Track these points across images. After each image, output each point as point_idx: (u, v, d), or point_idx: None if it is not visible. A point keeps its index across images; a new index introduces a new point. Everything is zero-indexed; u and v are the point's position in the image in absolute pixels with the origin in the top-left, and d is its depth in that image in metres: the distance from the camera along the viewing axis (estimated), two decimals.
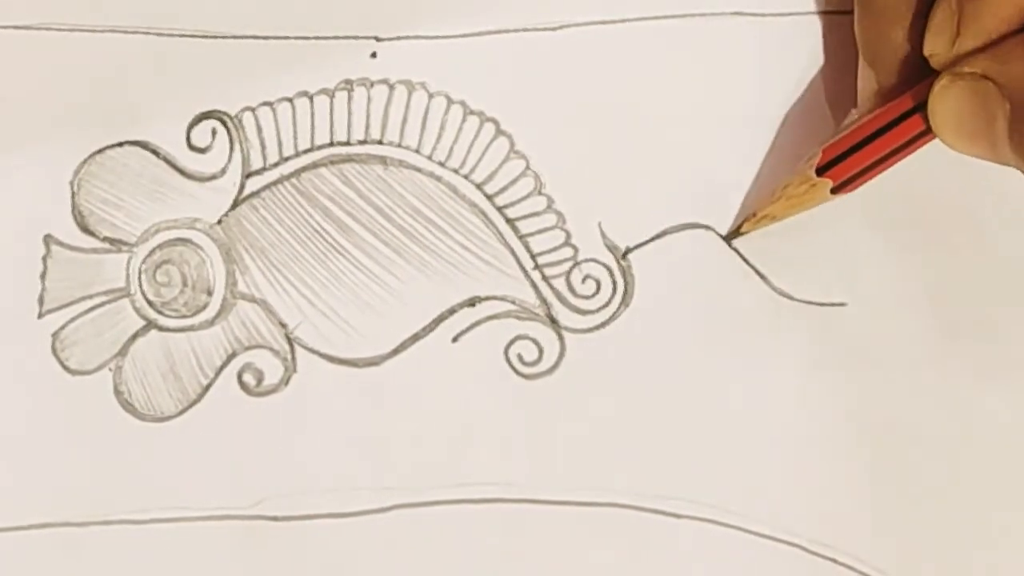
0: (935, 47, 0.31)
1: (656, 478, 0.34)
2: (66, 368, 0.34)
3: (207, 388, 0.34)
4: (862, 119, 0.32)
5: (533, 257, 0.34)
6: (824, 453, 0.34)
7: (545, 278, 0.34)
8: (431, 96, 0.35)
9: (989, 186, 0.35)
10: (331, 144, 0.35)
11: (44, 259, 0.34)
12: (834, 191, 0.33)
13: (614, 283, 0.34)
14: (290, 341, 0.34)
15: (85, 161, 0.35)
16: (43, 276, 0.34)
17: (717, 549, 0.34)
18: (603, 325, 0.34)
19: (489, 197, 0.35)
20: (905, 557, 0.34)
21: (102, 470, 0.34)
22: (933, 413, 0.34)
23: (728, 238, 0.34)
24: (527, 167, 0.35)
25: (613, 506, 0.34)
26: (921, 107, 0.31)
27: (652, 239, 0.35)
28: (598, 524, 0.34)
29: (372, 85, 0.35)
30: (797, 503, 0.34)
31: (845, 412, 0.34)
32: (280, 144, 0.35)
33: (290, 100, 0.35)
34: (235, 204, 0.34)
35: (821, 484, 0.34)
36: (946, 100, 0.30)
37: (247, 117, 0.35)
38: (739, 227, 0.34)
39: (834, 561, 0.34)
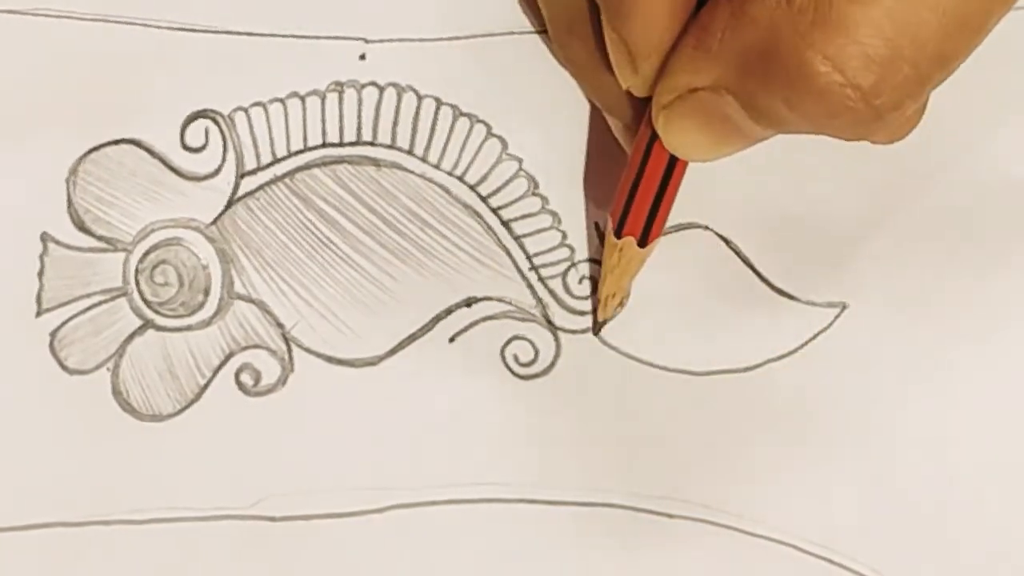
0: (625, 80, 0.30)
1: (651, 478, 0.34)
2: (64, 367, 0.34)
3: (205, 388, 0.34)
4: (628, 167, 0.32)
5: (529, 258, 0.34)
6: (820, 453, 0.34)
7: (541, 279, 0.34)
8: (421, 98, 0.34)
9: (990, 187, 0.34)
10: (323, 145, 0.34)
11: (41, 257, 0.34)
12: (643, 245, 0.32)
13: None
14: (287, 341, 0.34)
15: (81, 159, 0.34)
16: (40, 274, 0.34)
17: (712, 549, 0.34)
18: (599, 326, 0.34)
19: (483, 198, 0.34)
20: (900, 557, 0.34)
21: (100, 470, 0.34)
22: (930, 413, 0.34)
23: (596, 333, 0.34)
24: (520, 168, 0.34)
25: (608, 506, 0.34)
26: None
27: None
28: (593, 524, 0.34)
29: (362, 87, 0.34)
30: (792, 503, 0.34)
31: (842, 412, 0.34)
32: (273, 144, 0.34)
33: (282, 101, 0.34)
34: (230, 204, 0.34)
35: (817, 484, 0.34)
36: (677, 133, 0.29)
37: (239, 117, 0.34)
38: (600, 323, 0.34)
39: (829, 561, 0.34)
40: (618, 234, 0.32)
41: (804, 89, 0.26)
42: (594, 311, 0.34)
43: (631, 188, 0.31)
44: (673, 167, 0.31)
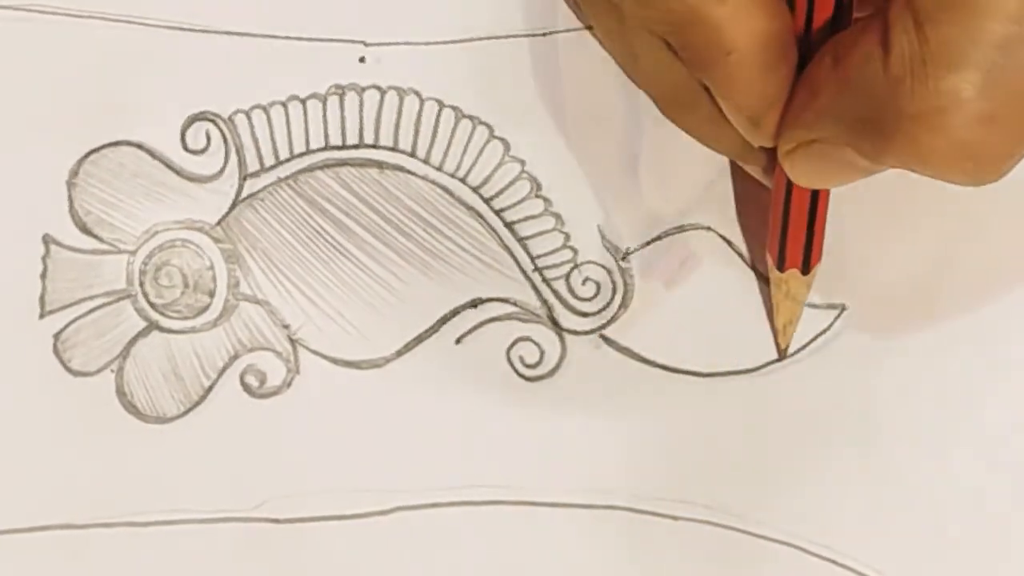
0: (753, 140, 0.31)
1: (655, 480, 0.34)
2: (68, 369, 0.34)
3: (209, 390, 0.34)
4: (773, 205, 0.32)
5: (533, 259, 0.34)
6: (823, 453, 0.34)
7: (545, 280, 0.34)
8: (423, 101, 0.34)
9: (991, 186, 0.34)
10: (326, 148, 0.34)
11: (44, 259, 0.34)
12: (805, 272, 0.33)
13: (614, 285, 0.34)
14: (293, 343, 0.34)
15: (81, 161, 0.34)
16: (43, 276, 0.34)
17: (715, 551, 0.34)
18: (603, 327, 0.34)
19: (486, 200, 0.34)
20: (904, 558, 0.34)
21: (104, 472, 0.34)
22: (932, 413, 0.34)
23: (781, 358, 0.35)
24: (522, 170, 0.34)
25: (612, 508, 0.34)
26: None
27: (652, 241, 0.34)
28: (598, 526, 0.34)
29: (363, 90, 0.34)
30: (796, 504, 0.34)
31: (844, 412, 0.34)
32: (275, 147, 0.34)
33: (282, 104, 0.34)
34: (234, 205, 0.34)
35: (820, 484, 0.34)
36: (800, 173, 0.30)
37: (240, 119, 0.34)
38: (783, 349, 0.34)
39: (832, 562, 0.34)
40: (780, 268, 0.33)
41: (910, 154, 0.26)
42: (776, 344, 0.34)
43: (782, 224, 0.32)
44: (817, 195, 0.31)
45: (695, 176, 0.34)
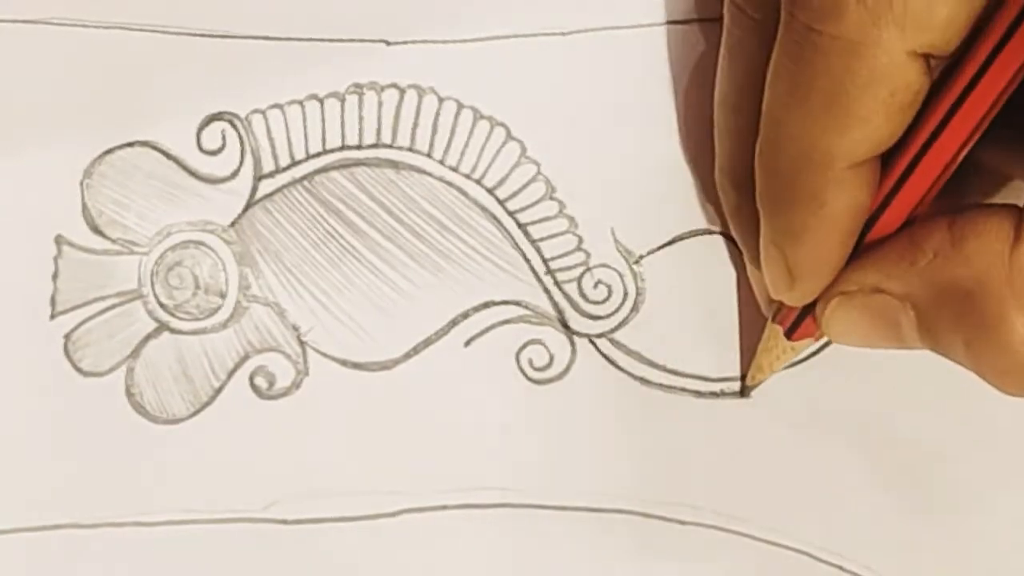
0: (776, 293, 0.31)
1: (663, 484, 0.34)
2: (78, 370, 0.34)
3: (219, 391, 0.34)
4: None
5: (545, 262, 0.34)
6: (832, 459, 0.34)
7: (557, 283, 0.34)
8: (441, 101, 0.35)
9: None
10: (342, 148, 0.35)
11: (55, 260, 0.34)
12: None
13: (625, 289, 0.35)
14: (302, 344, 0.34)
15: (95, 161, 0.34)
16: (55, 277, 0.34)
17: (724, 556, 0.34)
18: (614, 330, 0.34)
19: (501, 202, 0.35)
20: (913, 565, 0.34)
21: (113, 472, 0.34)
22: (936, 416, 0.34)
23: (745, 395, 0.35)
24: (538, 172, 0.35)
25: (620, 512, 0.34)
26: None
27: (664, 245, 0.35)
28: (605, 530, 0.34)
29: (382, 89, 0.34)
30: (804, 509, 0.34)
31: (851, 417, 0.34)
32: (291, 147, 0.35)
33: (300, 103, 0.34)
34: (248, 206, 0.35)
35: (828, 490, 0.34)
36: (841, 321, 0.30)
37: (257, 119, 0.34)
38: (748, 386, 0.34)
39: (841, 568, 0.34)
40: (788, 337, 0.32)
41: (994, 342, 0.26)
42: (743, 376, 0.34)
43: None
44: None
45: (709, 181, 0.34)
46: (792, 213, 0.29)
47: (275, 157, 0.35)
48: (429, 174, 0.35)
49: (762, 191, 0.29)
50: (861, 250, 0.29)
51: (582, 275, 0.35)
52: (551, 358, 0.34)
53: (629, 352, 0.34)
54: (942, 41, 0.26)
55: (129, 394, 0.34)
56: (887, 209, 0.29)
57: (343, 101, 0.35)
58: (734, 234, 0.33)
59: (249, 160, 0.34)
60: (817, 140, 0.27)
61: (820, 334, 0.31)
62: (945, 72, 0.27)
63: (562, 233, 0.35)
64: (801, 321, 0.32)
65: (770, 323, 0.33)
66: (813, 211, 0.28)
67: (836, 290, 0.30)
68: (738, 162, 0.31)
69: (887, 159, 0.28)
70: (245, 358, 0.34)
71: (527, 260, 0.34)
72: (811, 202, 0.28)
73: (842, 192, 0.28)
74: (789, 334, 0.32)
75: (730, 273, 0.35)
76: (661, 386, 0.34)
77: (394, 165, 0.35)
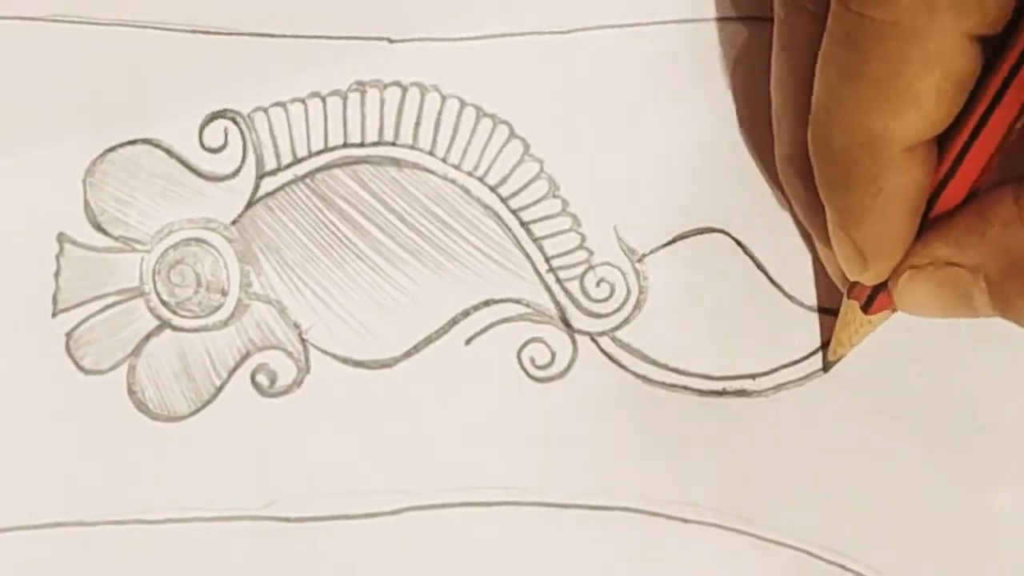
0: (852, 275, 0.31)
1: (665, 482, 0.34)
2: (80, 367, 0.34)
3: (220, 388, 0.34)
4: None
5: (547, 260, 0.34)
6: (833, 458, 0.34)
7: (559, 281, 0.34)
8: (444, 98, 0.35)
9: None
10: (344, 145, 0.35)
11: (57, 257, 0.34)
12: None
13: (628, 287, 0.35)
14: (304, 342, 0.34)
15: (97, 159, 0.34)
16: (57, 275, 0.34)
17: (725, 554, 0.34)
18: (616, 329, 0.34)
19: (503, 200, 0.35)
20: (915, 564, 0.34)
21: (115, 470, 0.34)
22: (937, 416, 0.34)
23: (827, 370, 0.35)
24: (541, 170, 0.35)
25: (622, 510, 0.34)
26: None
27: (667, 243, 0.35)
28: (607, 528, 0.34)
29: (385, 87, 0.35)
30: (806, 508, 0.34)
31: (854, 416, 0.34)
32: (293, 145, 0.35)
33: (302, 101, 0.35)
34: (249, 204, 0.35)
35: (830, 489, 0.34)
36: (913, 294, 0.30)
37: (259, 117, 0.35)
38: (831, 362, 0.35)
39: (843, 567, 0.34)
40: (865, 310, 0.33)
41: None
42: (824, 347, 0.34)
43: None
44: None
45: (714, 180, 0.34)
46: (852, 198, 0.29)
47: (277, 155, 0.35)
48: (431, 172, 0.35)
49: (821, 178, 0.30)
50: (928, 224, 0.30)
51: (584, 273, 0.35)
52: (552, 356, 0.34)
53: (631, 350, 0.34)
54: (995, 21, 0.26)
55: (131, 392, 0.34)
56: (948, 185, 0.29)
57: (346, 99, 0.35)
58: (801, 218, 0.33)
59: (251, 158, 0.35)
60: (872, 125, 0.27)
61: (896, 306, 0.32)
62: (994, 47, 0.27)
63: (564, 231, 0.35)
64: (876, 295, 0.32)
65: (846, 299, 0.33)
66: (872, 195, 0.28)
67: (907, 264, 0.30)
68: (800, 149, 0.31)
69: (944, 136, 0.29)
70: (246, 356, 0.34)
71: (529, 258, 0.34)
72: (870, 186, 0.28)
73: (900, 175, 0.28)
74: (866, 308, 0.32)
75: (731, 272, 0.34)
76: (663, 384, 0.34)
77: (396, 163, 0.35)
